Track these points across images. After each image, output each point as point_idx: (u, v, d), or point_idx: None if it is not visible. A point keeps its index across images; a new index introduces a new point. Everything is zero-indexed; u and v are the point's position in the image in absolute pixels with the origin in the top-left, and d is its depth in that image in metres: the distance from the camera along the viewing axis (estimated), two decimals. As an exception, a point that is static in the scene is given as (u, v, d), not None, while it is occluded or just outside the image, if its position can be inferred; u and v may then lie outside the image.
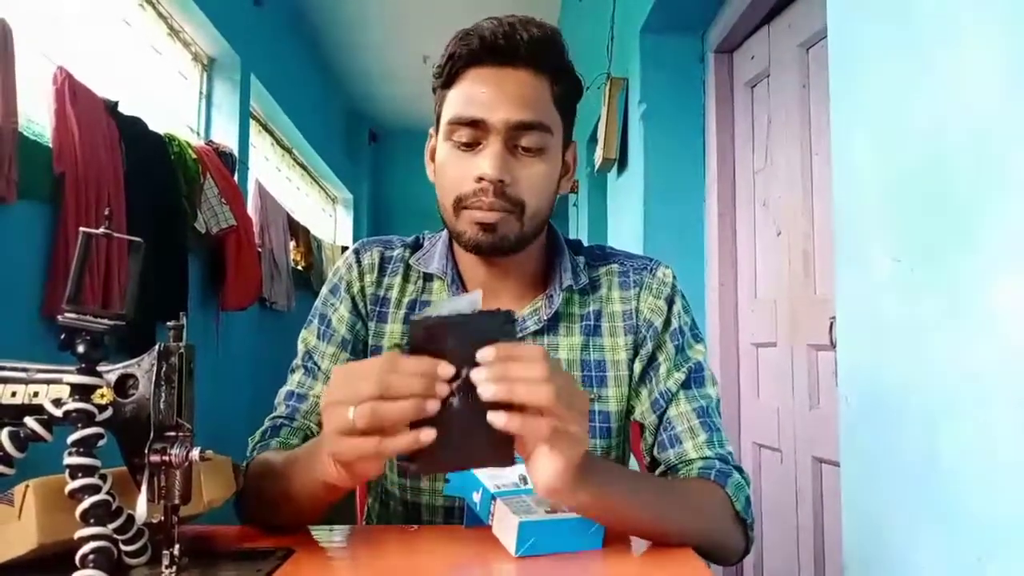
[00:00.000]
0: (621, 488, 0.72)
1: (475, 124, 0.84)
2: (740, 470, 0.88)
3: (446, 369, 0.60)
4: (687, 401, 0.91)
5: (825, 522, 1.81)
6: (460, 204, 0.85)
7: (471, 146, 0.85)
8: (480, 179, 0.83)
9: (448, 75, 0.87)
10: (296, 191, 5.97)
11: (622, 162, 2.91)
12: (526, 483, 0.79)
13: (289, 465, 0.78)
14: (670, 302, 0.96)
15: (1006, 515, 0.80)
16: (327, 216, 7.05)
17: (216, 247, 3.43)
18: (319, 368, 0.95)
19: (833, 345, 1.64)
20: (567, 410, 0.61)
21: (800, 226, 1.93)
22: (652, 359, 0.94)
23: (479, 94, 0.84)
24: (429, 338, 0.62)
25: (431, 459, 0.62)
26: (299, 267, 5.12)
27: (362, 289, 0.97)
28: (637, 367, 0.94)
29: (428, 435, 0.60)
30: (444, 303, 0.64)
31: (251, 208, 4.06)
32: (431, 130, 0.95)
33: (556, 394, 0.59)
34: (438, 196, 0.90)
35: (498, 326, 0.63)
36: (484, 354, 0.60)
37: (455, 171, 0.86)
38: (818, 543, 1.82)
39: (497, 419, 0.59)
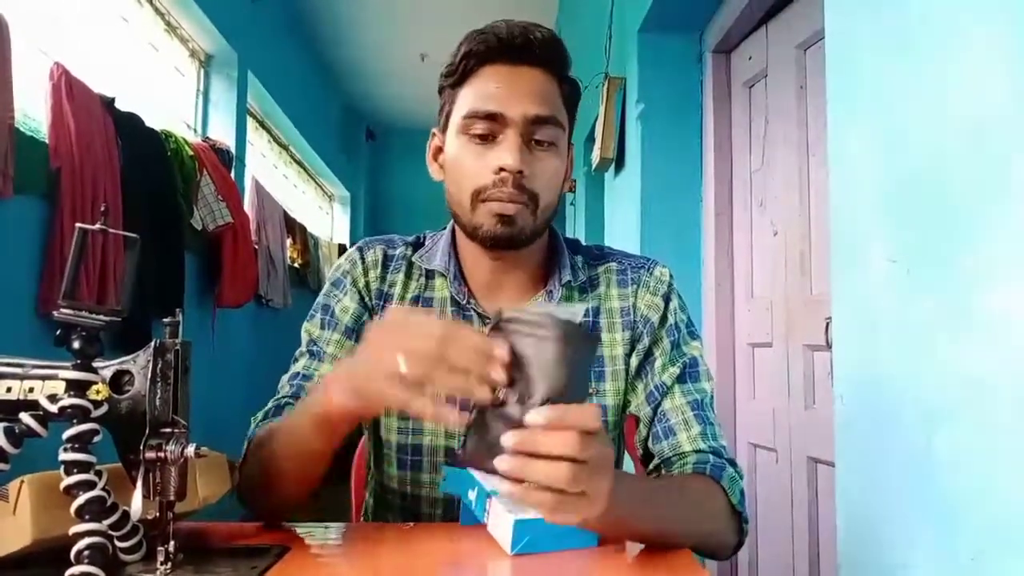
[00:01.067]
0: (628, 506, 0.70)
1: (492, 117, 0.86)
2: (733, 463, 0.88)
3: (503, 353, 0.59)
4: (682, 394, 0.93)
5: (820, 522, 1.81)
6: (479, 196, 0.87)
7: (487, 139, 0.87)
8: (500, 170, 0.85)
9: (462, 72, 0.89)
10: (293, 188, 5.96)
11: (619, 162, 2.91)
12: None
13: (288, 418, 0.80)
14: (667, 299, 0.98)
15: (1000, 515, 0.80)
16: (324, 214, 7.04)
17: (212, 244, 3.42)
18: (325, 352, 0.95)
19: (829, 345, 1.65)
20: (589, 480, 0.57)
21: (797, 226, 1.93)
22: (648, 353, 0.96)
23: (496, 89, 0.87)
24: (510, 331, 0.61)
25: (482, 454, 0.59)
26: (296, 265, 5.12)
27: (367, 284, 0.98)
28: (634, 361, 0.96)
29: (454, 417, 0.60)
30: (547, 305, 0.61)
31: (248, 205, 4.06)
32: (434, 130, 0.97)
33: (573, 475, 0.56)
34: (451, 192, 0.91)
35: (584, 340, 0.61)
36: (531, 419, 0.56)
37: (473, 164, 0.87)
38: (813, 543, 1.83)
39: (501, 487, 0.58)
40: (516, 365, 0.60)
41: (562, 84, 0.91)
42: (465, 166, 0.88)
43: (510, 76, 0.87)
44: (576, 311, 0.62)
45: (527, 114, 0.86)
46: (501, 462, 0.57)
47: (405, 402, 0.61)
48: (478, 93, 0.87)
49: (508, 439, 0.56)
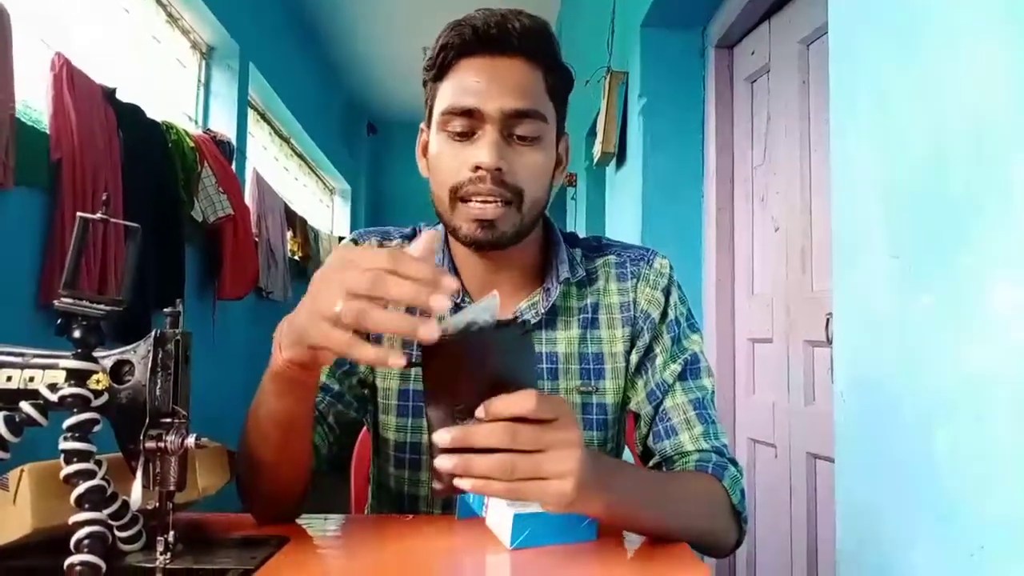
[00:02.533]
0: (630, 495, 0.71)
1: (470, 114, 0.83)
2: (735, 463, 0.88)
3: (450, 283, 0.55)
4: (683, 392, 0.92)
5: (819, 517, 1.81)
6: (456, 195, 0.84)
7: (466, 136, 0.84)
8: (477, 168, 0.82)
9: (440, 66, 0.86)
10: (294, 181, 5.95)
11: (621, 156, 2.90)
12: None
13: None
14: (667, 293, 0.96)
15: (1000, 512, 0.80)
16: (325, 207, 7.04)
17: (213, 236, 3.42)
18: None
19: (829, 341, 1.65)
20: (545, 465, 0.59)
21: (798, 222, 1.93)
22: (649, 350, 0.95)
23: (473, 84, 0.83)
24: (440, 354, 0.59)
25: (452, 483, 0.60)
26: (296, 257, 5.11)
27: None
28: (634, 358, 0.95)
29: (396, 360, 0.55)
30: (464, 310, 0.60)
31: (248, 197, 4.05)
32: (422, 125, 0.94)
33: (511, 464, 0.58)
34: (433, 190, 0.89)
35: (511, 340, 0.61)
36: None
37: (450, 161, 0.85)
38: (811, 538, 1.83)
39: (463, 484, 0.59)
40: (456, 385, 0.60)
41: (547, 74, 0.87)
42: (444, 164, 0.85)
43: (488, 69, 0.84)
44: (489, 304, 0.60)
45: (505, 109, 0.82)
46: (441, 461, 0.58)
47: (344, 346, 0.57)
48: (455, 88, 0.84)
49: (439, 436, 0.59)
